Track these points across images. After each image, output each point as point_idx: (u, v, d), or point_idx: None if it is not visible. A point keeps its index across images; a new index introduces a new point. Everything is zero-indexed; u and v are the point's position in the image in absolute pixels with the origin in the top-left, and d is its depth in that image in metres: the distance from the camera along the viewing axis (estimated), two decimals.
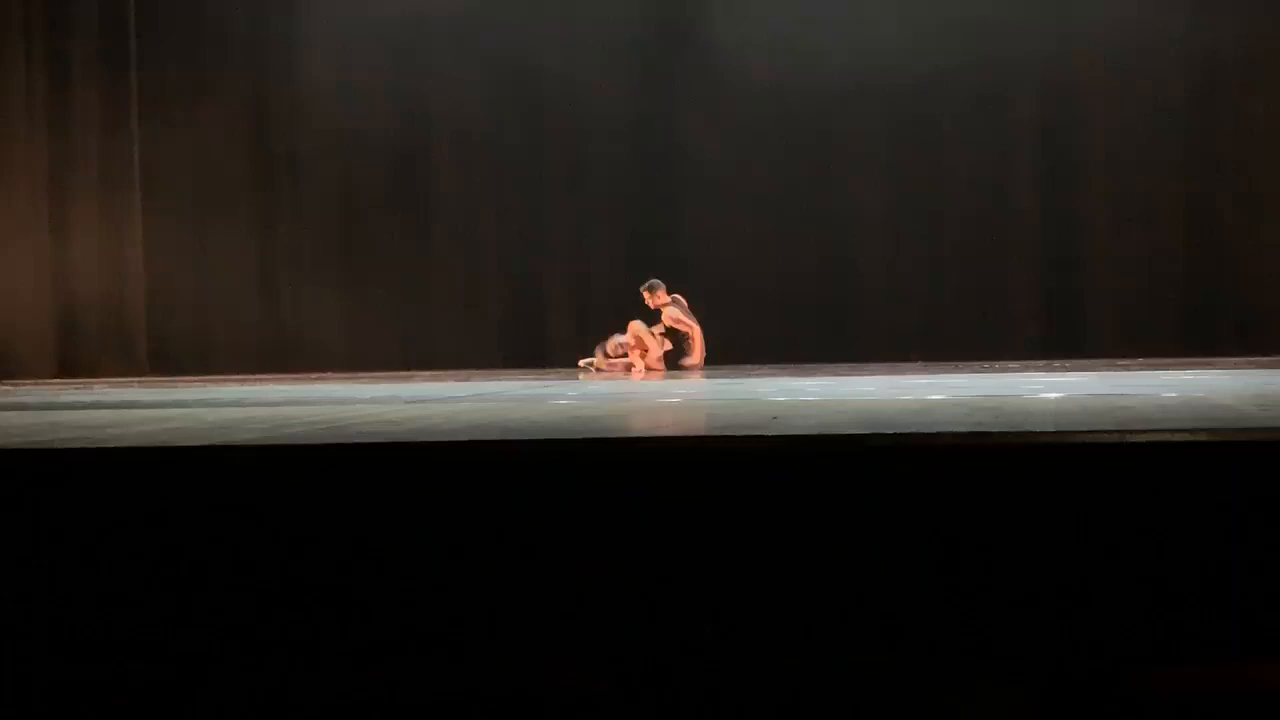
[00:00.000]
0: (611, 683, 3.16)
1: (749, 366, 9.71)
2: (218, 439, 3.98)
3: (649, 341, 9.97)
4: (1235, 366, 8.04)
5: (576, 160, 11.19)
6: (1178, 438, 3.36)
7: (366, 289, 11.19)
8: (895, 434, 3.67)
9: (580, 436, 3.78)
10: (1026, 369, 8.55)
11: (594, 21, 11.01)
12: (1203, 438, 3.34)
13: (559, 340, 11.01)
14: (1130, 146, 10.63)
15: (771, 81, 10.75)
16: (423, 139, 11.24)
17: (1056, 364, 9.10)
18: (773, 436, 3.76)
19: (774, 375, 8.41)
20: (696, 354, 9.94)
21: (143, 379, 9.91)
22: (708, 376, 9.03)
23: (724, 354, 10.12)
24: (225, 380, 9.12)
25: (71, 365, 10.83)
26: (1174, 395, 5.29)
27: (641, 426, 4.44)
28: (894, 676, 3.13)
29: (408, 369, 10.26)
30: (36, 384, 9.55)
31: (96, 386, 8.72)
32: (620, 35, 11.00)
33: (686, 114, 10.96)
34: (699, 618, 3.17)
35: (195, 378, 9.79)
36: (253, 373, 10.12)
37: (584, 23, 11.03)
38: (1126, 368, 8.42)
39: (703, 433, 4.13)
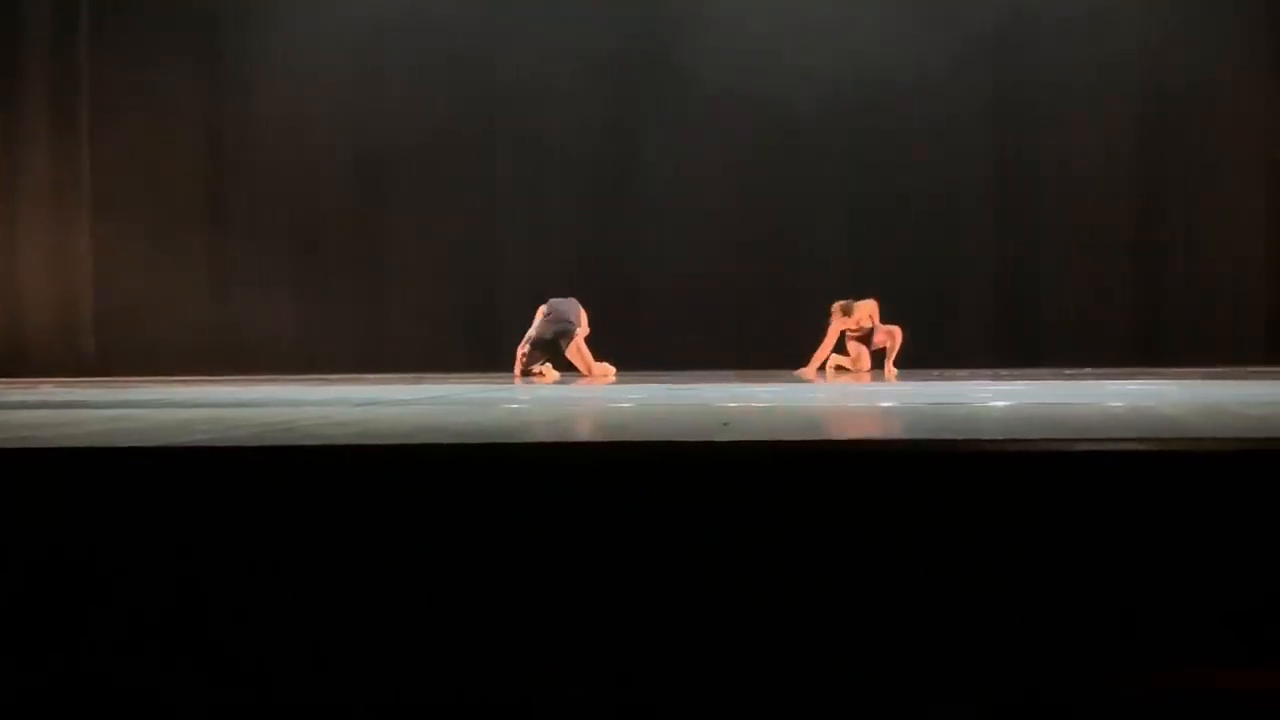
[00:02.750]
0: (548, 690, 3.15)
1: (704, 372, 9.73)
2: (165, 440, 3.95)
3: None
4: (1181, 377, 8.12)
5: (535, 166, 11.20)
6: (1124, 447, 3.39)
7: (321, 292, 11.15)
8: (845, 440, 3.69)
9: (528, 441, 3.77)
10: (975, 377, 8.60)
11: (555, 29, 11.02)
12: (1148, 447, 3.37)
13: (516, 344, 11.03)
14: (1083, 162, 10.77)
15: (734, 95, 10.81)
16: (380, 143, 11.21)
17: (1004, 373, 9.17)
18: (723, 442, 3.76)
19: (727, 382, 8.43)
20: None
21: (91, 379, 9.82)
22: (663, 382, 9.02)
23: (680, 360, 10.17)
24: (174, 381, 9.06)
25: (18, 366, 10.73)
26: (1121, 405, 5.34)
27: (590, 431, 4.44)
28: (847, 691, 3.14)
29: (361, 372, 10.23)
30: None
31: (44, 387, 8.64)
32: (581, 44, 11.01)
33: (648, 124, 10.99)
34: (637, 626, 3.17)
35: (144, 378, 9.71)
36: (204, 375, 10.06)
37: (545, 30, 11.04)
38: (1074, 377, 8.49)
39: (652, 438, 4.13)
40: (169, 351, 10.92)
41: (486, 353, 10.93)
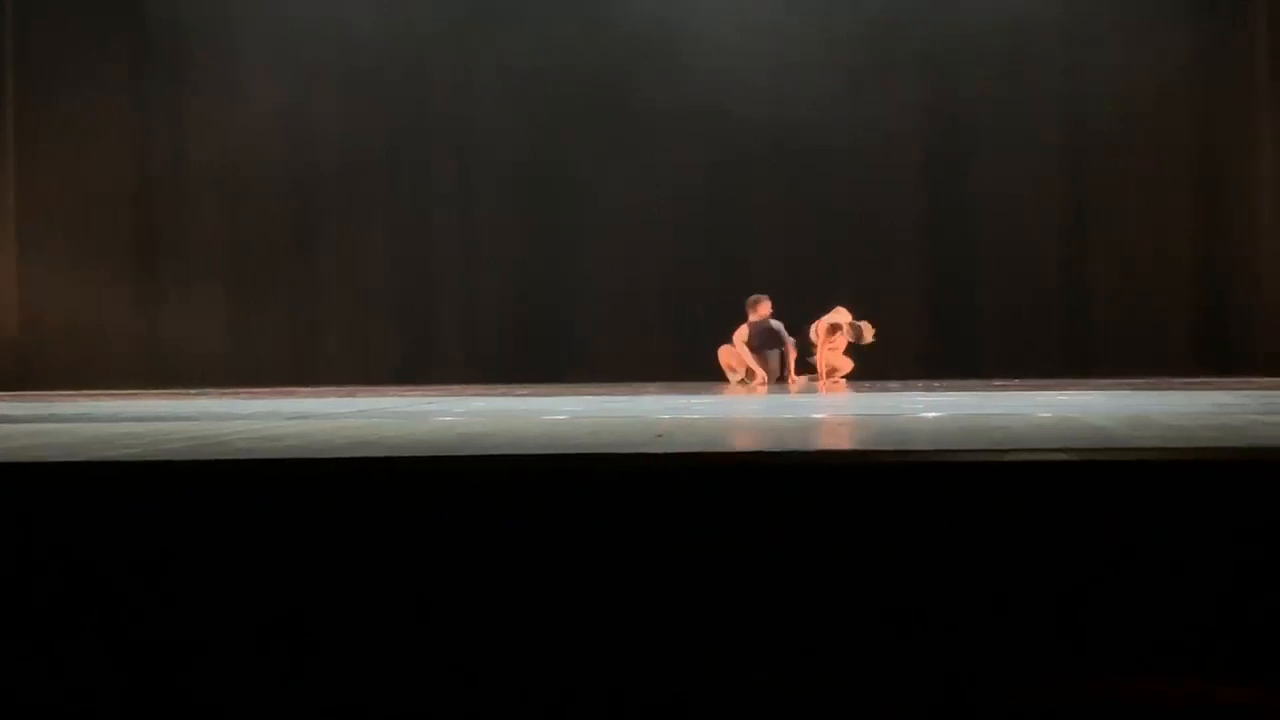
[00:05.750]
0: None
1: (641, 385, 9.76)
2: (95, 454, 3.91)
3: None
4: (1109, 388, 8.23)
5: (469, 183, 11.18)
6: (1052, 457, 3.43)
7: (251, 307, 11.07)
8: (780, 452, 3.71)
9: (463, 454, 3.77)
10: (907, 388, 8.68)
11: (490, 49, 11.01)
12: (1075, 457, 3.41)
13: (447, 358, 11.00)
14: (1013, 180, 10.90)
15: (672, 113, 10.84)
16: (312, 160, 11.14)
17: (936, 384, 9.25)
18: (657, 454, 3.77)
19: (663, 394, 8.45)
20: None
21: (14, 394, 9.68)
22: (595, 394, 9.05)
23: (615, 373, 10.22)
24: (103, 395, 8.95)
25: None
26: (1049, 415, 5.40)
27: (524, 443, 4.43)
28: (768, 701, 3.15)
29: (293, 386, 10.17)
30: None
31: None
32: (516, 63, 11.01)
33: (584, 143, 10.99)
34: (563, 636, 3.18)
35: (72, 392, 9.60)
36: (132, 390, 9.96)
37: (478, 49, 11.03)
38: (1005, 388, 8.57)
39: (586, 450, 4.14)
40: (98, 367, 10.79)
41: (418, 367, 10.90)
